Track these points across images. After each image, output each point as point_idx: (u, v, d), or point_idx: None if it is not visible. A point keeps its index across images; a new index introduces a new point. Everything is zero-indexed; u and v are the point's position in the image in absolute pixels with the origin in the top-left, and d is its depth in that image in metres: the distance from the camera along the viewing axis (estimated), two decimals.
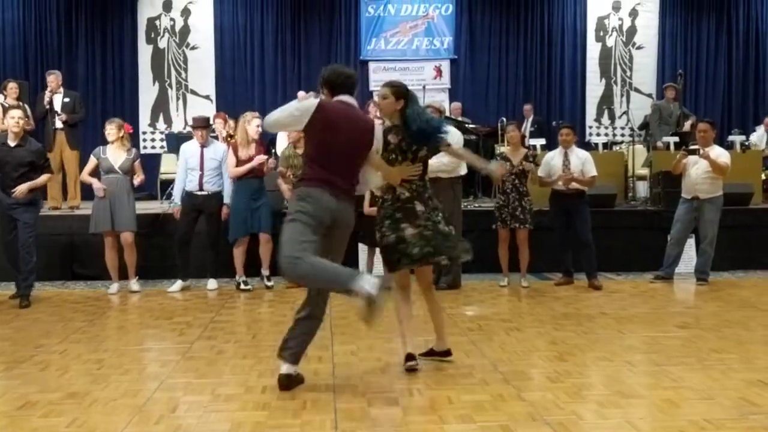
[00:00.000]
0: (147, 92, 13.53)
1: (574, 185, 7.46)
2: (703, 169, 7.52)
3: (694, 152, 7.58)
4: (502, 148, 10.07)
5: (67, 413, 3.75)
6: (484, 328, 5.65)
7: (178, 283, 7.56)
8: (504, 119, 10.96)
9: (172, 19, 13.61)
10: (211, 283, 7.61)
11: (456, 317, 6.09)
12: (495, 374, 4.38)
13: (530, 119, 12.68)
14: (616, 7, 14.24)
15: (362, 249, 7.98)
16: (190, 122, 8.61)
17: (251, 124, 7.40)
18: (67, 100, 9.69)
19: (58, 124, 9.52)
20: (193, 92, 13.61)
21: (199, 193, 7.48)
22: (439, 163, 7.27)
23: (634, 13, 14.26)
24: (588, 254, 7.51)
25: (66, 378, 4.40)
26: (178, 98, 13.59)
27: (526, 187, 7.46)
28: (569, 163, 7.49)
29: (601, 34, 14.25)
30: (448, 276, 7.46)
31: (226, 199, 7.47)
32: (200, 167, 7.47)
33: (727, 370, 4.43)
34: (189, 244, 7.58)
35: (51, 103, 9.52)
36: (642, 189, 10.48)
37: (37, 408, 3.84)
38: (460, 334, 5.46)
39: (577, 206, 7.46)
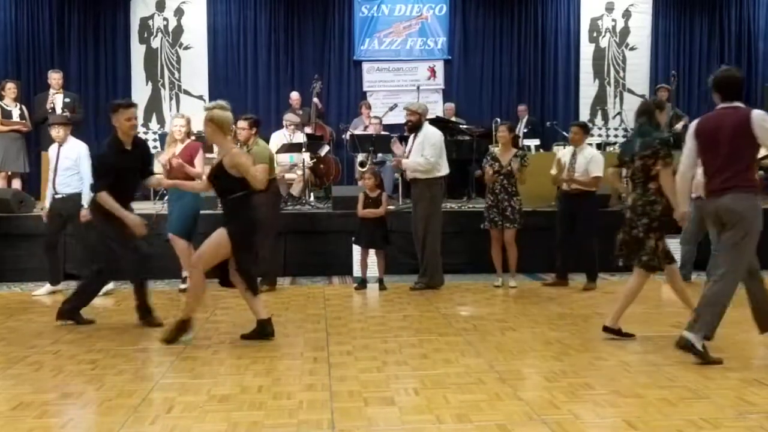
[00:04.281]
0: (140, 92, 13.47)
1: (575, 186, 7.45)
2: None
3: None
4: (495, 149, 10.07)
5: (62, 414, 3.73)
6: (480, 328, 5.65)
7: (46, 287, 7.37)
8: (498, 120, 10.94)
9: (165, 19, 13.57)
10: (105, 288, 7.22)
11: (451, 317, 6.09)
12: (491, 374, 4.38)
13: (524, 120, 12.69)
14: (610, 8, 14.27)
15: (356, 250, 7.97)
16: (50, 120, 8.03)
17: (173, 125, 7.36)
18: (67, 100, 9.68)
19: None
20: (186, 92, 13.56)
21: (56, 196, 7.12)
22: (414, 164, 7.30)
23: (627, 14, 14.29)
24: (586, 258, 7.47)
25: (60, 378, 4.38)
26: (171, 98, 13.54)
27: (515, 187, 7.45)
28: (575, 162, 7.47)
29: (595, 35, 14.27)
30: (424, 276, 7.45)
31: (84, 201, 7.00)
32: (55, 168, 7.11)
33: (723, 369, 4.43)
34: (55, 248, 7.29)
35: (53, 102, 9.51)
36: None
37: (31, 408, 3.82)
38: (456, 334, 5.46)
39: (579, 207, 7.39)
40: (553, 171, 7.59)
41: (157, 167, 7.64)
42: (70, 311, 5.87)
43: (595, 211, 7.52)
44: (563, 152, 7.83)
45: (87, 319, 5.90)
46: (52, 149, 7.27)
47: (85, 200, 7.10)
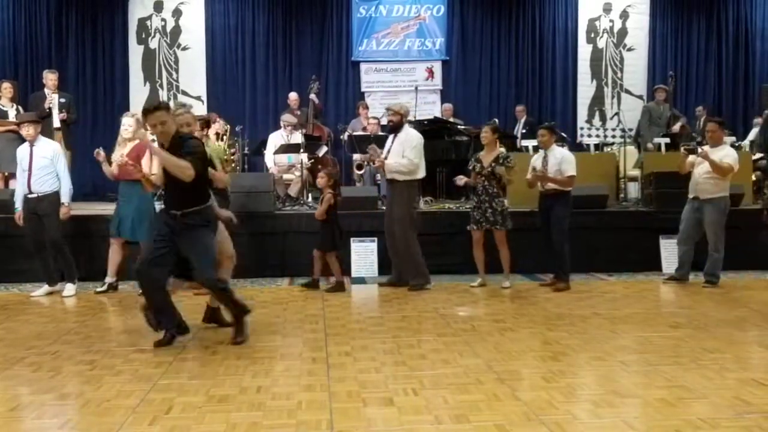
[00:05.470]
0: (138, 93, 13.47)
1: (551, 185, 7.43)
2: (705, 169, 7.48)
3: (693, 151, 7.57)
4: (503, 150, 10.07)
5: (60, 414, 3.73)
6: (478, 329, 5.65)
7: (44, 288, 7.32)
8: (496, 120, 10.97)
9: (163, 20, 13.57)
10: (68, 289, 7.27)
11: (449, 318, 6.09)
12: (490, 374, 4.38)
13: (522, 120, 12.71)
14: (607, 9, 14.30)
15: (354, 251, 7.97)
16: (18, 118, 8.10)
17: (122, 123, 7.25)
18: (63, 100, 9.68)
19: (57, 123, 9.48)
20: (184, 93, 13.57)
21: (30, 195, 7.09)
22: (397, 164, 7.31)
23: (624, 15, 14.32)
24: (557, 255, 7.42)
25: (58, 379, 4.38)
26: (168, 99, 13.49)
27: (496, 188, 7.42)
28: (547, 164, 7.46)
29: (592, 35, 14.30)
30: (418, 277, 7.47)
31: (65, 199, 7.12)
32: (29, 167, 7.07)
33: (721, 369, 4.44)
34: (44, 248, 7.22)
35: (50, 102, 9.52)
36: (633, 190, 10.52)
37: (29, 409, 3.82)
38: (454, 334, 5.46)
39: (552, 206, 7.39)
40: (529, 175, 7.58)
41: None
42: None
43: (565, 210, 7.43)
44: (536, 156, 7.83)
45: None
46: (22, 149, 7.24)
47: (66, 197, 7.13)
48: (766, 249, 8.76)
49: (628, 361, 4.70)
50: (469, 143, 10.76)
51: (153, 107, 5.03)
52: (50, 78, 9.77)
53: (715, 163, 7.38)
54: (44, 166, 7.11)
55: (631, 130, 12.01)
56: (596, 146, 11.83)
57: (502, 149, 7.91)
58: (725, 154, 7.55)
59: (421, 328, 5.70)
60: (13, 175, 9.75)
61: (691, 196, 7.71)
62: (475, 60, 14.16)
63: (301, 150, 9.80)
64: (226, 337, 5.42)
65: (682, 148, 7.95)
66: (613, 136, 13.57)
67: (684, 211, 7.76)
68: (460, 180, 7.66)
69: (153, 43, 13.58)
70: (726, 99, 14.40)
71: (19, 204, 7.27)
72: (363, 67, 13.99)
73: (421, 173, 7.46)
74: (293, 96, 11.84)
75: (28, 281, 7.84)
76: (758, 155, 10.95)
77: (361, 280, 8.00)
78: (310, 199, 9.93)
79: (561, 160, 7.42)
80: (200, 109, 13.18)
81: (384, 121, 11.52)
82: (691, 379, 4.23)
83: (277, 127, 11.35)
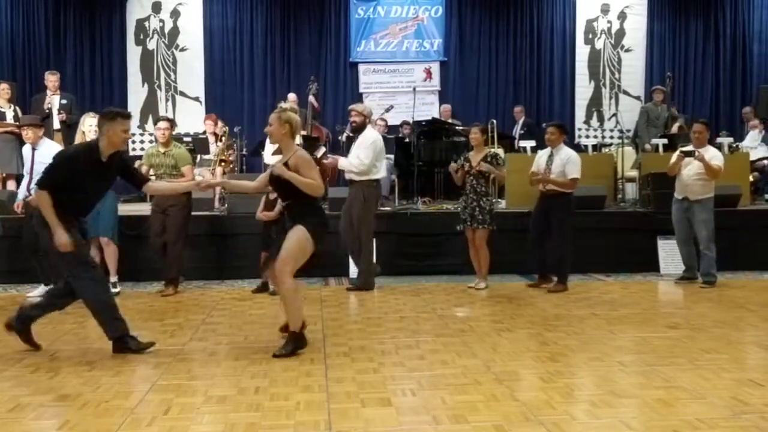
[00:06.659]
0: (136, 94, 13.48)
1: (551, 187, 7.41)
2: (694, 171, 7.52)
3: (690, 154, 7.57)
4: (491, 149, 10.08)
5: (58, 415, 3.73)
6: (476, 329, 5.66)
7: (41, 289, 7.25)
8: (494, 121, 10.99)
9: (161, 21, 13.57)
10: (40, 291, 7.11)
11: (447, 318, 6.10)
12: (488, 375, 4.39)
13: (521, 121, 12.72)
14: (605, 10, 14.32)
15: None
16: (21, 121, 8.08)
17: (85, 124, 7.18)
18: (64, 101, 9.68)
19: (57, 125, 9.47)
20: (183, 94, 13.58)
21: (28, 198, 6.94)
22: (348, 164, 7.38)
23: (622, 16, 14.35)
24: (559, 258, 7.40)
25: (57, 380, 4.38)
26: (167, 100, 13.55)
27: (485, 187, 7.44)
28: (551, 163, 7.44)
29: (590, 36, 14.33)
30: (360, 277, 7.53)
31: None
32: (30, 171, 7.00)
33: (719, 369, 4.45)
34: (39, 249, 6.99)
35: (50, 103, 9.52)
36: (631, 191, 10.53)
37: (27, 410, 3.82)
38: (452, 335, 5.47)
39: (553, 207, 7.36)
40: (534, 170, 7.56)
41: None
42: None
43: (568, 212, 7.39)
44: (541, 153, 7.81)
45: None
46: (26, 149, 7.22)
47: None
48: (763, 250, 8.77)
49: (625, 361, 4.71)
50: (467, 144, 10.76)
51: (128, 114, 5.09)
52: (51, 79, 9.78)
53: (710, 165, 7.42)
54: None
55: (628, 131, 12.03)
56: (594, 147, 11.83)
57: (491, 149, 7.90)
58: (713, 155, 7.60)
59: (420, 329, 5.71)
60: (10, 176, 9.78)
61: (680, 197, 7.73)
62: (473, 61, 14.18)
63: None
64: (225, 338, 5.44)
65: (679, 150, 7.96)
66: (611, 137, 13.60)
67: (673, 213, 7.78)
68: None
69: (151, 44, 13.58)
70: (723, 100, 14.43)
71: (21, 195, 7.27)
72: (361, 67, 14.00)
73: (378, 173, 7.51)
74: (292, 97, 11.83)
75: (26, 282, 7.84)
76: (761, 154, 10.97)
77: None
78: None
79: (566, 161, 7.35)
80: (198, 110, 13.21)
81: (389, 121, 11.54)
82: (689, 380, 4.24)
83: None
